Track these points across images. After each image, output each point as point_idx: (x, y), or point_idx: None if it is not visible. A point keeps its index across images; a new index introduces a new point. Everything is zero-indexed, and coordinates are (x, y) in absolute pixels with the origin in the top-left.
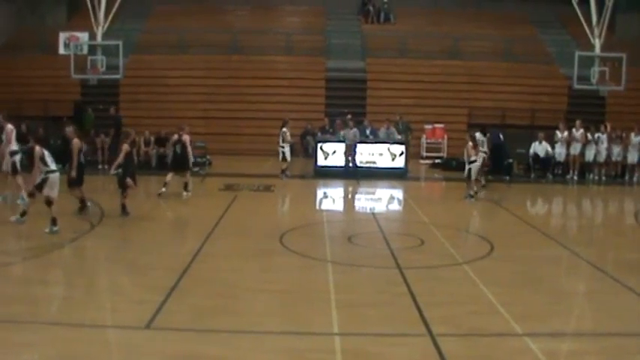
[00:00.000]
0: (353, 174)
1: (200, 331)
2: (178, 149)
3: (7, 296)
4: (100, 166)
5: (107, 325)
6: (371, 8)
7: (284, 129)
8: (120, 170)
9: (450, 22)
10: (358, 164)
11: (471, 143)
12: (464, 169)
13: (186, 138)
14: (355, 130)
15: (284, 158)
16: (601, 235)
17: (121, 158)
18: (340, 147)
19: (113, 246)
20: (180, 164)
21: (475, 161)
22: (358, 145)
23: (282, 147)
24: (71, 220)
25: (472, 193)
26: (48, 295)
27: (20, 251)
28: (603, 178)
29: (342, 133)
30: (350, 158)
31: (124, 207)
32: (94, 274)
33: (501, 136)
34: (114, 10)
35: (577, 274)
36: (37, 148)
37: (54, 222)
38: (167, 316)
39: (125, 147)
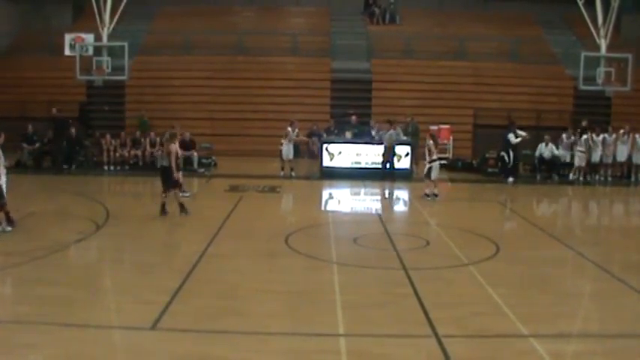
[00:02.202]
0: (390, 175)
1: (205, 332)
2: None
3: (13, 297)
4: (105, 167)
5: (113, 326)
6: (376, 9)
7: (288, 128)
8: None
9: (455, 23)
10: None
11: (431, 142)
12: (470, 169)
13: None
14: (392, 131)
15: (280, 156)
16: (607, 236)
17: (173, 161)
18: (344, 148)
19: (118, 247)
20: None
21: (436, 160)
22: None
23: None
24: (76, 220)
25: (435, 192)
26: (53, 295)
27: (26, 252)
28: (609, 178)
29: (387, 133)
30: (388, 159)
31: (182, 206)
32: (99, 275)
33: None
34: (119, 11)
35: (583, 275)
36: None
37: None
38: (172, 317)
39: (174, 147)
